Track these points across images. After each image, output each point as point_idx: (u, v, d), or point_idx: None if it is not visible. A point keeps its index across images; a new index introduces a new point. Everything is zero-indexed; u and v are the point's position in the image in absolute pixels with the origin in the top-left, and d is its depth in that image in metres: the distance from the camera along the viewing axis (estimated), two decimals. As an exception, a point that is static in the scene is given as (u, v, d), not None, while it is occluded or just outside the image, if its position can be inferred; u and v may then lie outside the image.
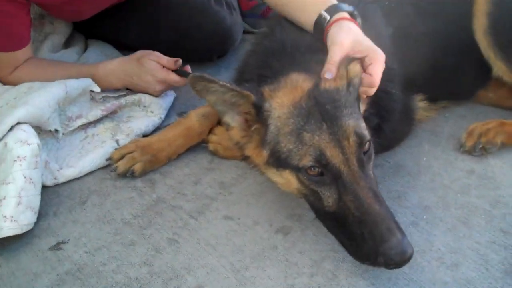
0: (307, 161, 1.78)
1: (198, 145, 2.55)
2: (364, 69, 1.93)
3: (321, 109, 1.81)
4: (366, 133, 1.85)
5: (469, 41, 2.52)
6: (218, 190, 2.33)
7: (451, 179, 2.33)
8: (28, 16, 2.64)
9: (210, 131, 2.54)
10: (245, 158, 2.16)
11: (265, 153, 1.93)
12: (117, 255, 2.02)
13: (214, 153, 2.52)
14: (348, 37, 1.99)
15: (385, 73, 1.96)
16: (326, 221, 1.92)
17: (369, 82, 1.93)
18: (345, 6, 2.12)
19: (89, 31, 3.36)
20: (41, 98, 2.35)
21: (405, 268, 1.88)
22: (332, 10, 2.11)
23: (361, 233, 1.72)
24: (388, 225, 1.69)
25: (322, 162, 1.77)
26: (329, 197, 1.81)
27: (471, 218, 2.13)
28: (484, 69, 2.57)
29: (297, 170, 1.84)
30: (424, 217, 2.14)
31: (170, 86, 2.79)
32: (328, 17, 2.10)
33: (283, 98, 1.88)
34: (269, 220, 2.16)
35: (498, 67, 2.51)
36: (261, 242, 2.06)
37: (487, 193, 2.25)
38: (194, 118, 2.50)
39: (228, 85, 1.82)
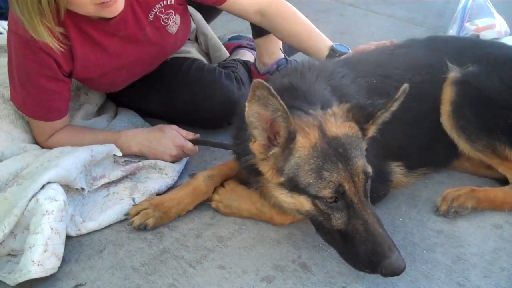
0: (327, 193, 2.20)
1: (203, 203, 2.89)
2: None
3: (334, 152, 2.23)
4: (370, 170, 2.28)
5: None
6: (216, 242, 2.67)
7: (420, 238, 2.63)
8: (68, 92, 3.10)
9: (214, 191, 2.89)
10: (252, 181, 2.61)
11: (282, 179, 2.32)
12: (125, 297, 2.39)
13: (216, 210, 2.86)
14: None
15: None
16: (328, 235, 2.35)
17: None
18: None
19: (119, 100, 3.81)
20: (69, 161, 2.75)
21: (367, 314, 2.21)
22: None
23: (365, 249, 2.16)
24: (389, 245, 2.15)
25: (339, 193, 2.20)
26: (339, 219, 2.23)
27: (433, 272, 2.42)
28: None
29: (314, 197, 2.25)
30: (392, 270, 2.44)
31: (183, 155, 3.17)
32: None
33: (302, 141, 2.26)
34: (256, 269, 2.49)
35: (462, 146, 2.84)
36: (247, 288, 2.40)
37: (451, 250, 2.54)
38: (200, 179, 2.86)
39: (285, 105, 2.14)
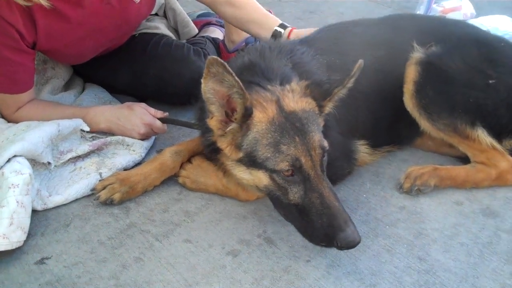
0: (284, 166, 2.23)
1: (171, 178, 2.91)
2: None
3: (292, 126, 2.26)
4: (326, 144, 2.32)
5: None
6: (183, 217, 2.69)
7: (384, 213, 2.70)
8: (32, 64, 3.05)
9: (181, 166, 2.91)
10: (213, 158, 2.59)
11: (240, 154, 2.34)
12: (91, 270, 2.39)
13: (183, 185, 2.89)
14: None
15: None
16: (285, 210, 2.37)
17: None
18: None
19: (87, 75, 3.78)
20: (35, 135, 2.74)
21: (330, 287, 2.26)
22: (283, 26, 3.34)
23: (321, 222, 2.19)
24: (345, 218, 2.18)
25: (296, 166, 2.23)
26: (296, 193, 2.26)
27: (394, 247, 2.49)
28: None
29: (272, 171, 2.27)
30: (354, 245, 2.50)
31: (151, 133, 3.17)
32: (282, 30, 3.31)
33: (260, 115, 2.28)
34: (222, 243, 2.53)
35: (424, 125, 2.89)
36: (213, 262, 2.43)
37: (412, 226, 2.61)
38: (167, 155, 2.87)
39: (240, 81, 2.15)
